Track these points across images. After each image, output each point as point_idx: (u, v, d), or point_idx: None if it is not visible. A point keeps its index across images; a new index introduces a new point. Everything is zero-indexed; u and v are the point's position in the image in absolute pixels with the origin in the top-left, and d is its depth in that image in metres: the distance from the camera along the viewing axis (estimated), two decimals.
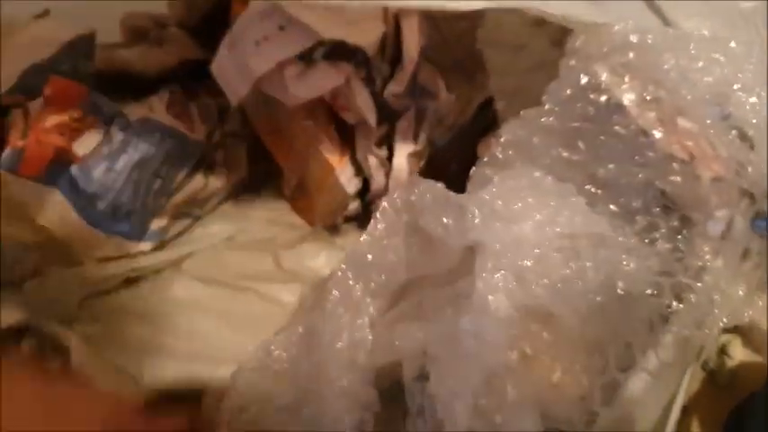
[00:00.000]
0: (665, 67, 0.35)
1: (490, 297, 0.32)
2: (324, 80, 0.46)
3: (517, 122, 0.35)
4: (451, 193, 0.35)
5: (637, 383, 0.33)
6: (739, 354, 0.40)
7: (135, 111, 0.48)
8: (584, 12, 0.39)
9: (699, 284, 0.32)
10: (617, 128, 0.34)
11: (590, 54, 0.35)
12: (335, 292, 0.35)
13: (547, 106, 0.35)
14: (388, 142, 0.50)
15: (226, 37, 0.47)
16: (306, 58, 0.45)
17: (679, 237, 0.34)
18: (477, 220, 0.33)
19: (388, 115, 0.49)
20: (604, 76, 0.35)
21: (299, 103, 0.46)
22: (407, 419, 0.32)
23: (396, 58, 0.48)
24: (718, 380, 0.40)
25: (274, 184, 0.55)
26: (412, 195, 0.35)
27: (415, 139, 0.50)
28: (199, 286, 0.47)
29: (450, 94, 0.48)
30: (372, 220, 0.37)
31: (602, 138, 0.35)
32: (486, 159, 0.36)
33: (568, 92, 0.35)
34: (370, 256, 0.37)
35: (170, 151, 0.48)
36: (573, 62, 0.35)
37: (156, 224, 0.48)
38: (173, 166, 0.49)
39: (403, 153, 0.50)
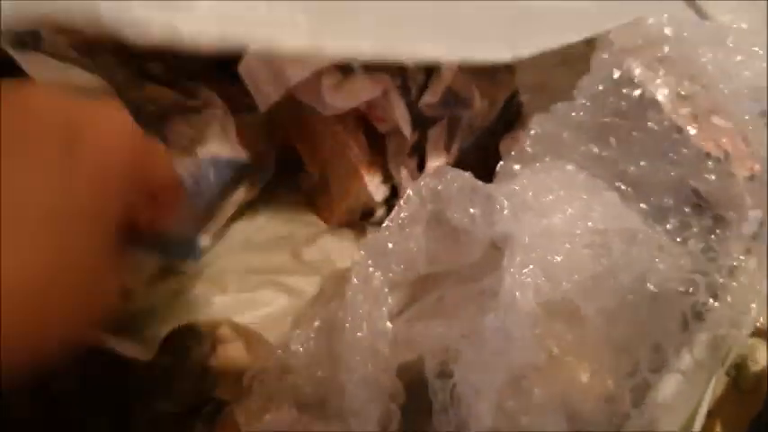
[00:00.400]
0: (702, 60, 0.34)
1: (517, 293, 0.31)
2: (362, 91, 0.45)
3: (546, 117, 0.35)
4: (480, 183, 0.34)
5: (668, 385, 0.32)
6: (764, 359, 0.39)
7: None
8: (618, 8, 0.38)
9: (734, 284, 0.32)
10: (650, 124, 0.34)
11: (623, 48, 0.35)
12: (355, 280, 0.34)
13: (578, 101, 0.34)
14: (418, 150, 0.49)
15: None
16: (344, 68, 0.44)
17: (712, 237, 0.33)
18: (505, 212, 0.32)
19: (420, 123, 0.47)
20: (638, 71, 0.34)
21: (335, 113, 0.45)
22: (433, 416, 0.31)
23: (430, 66, 0.46)
24: (741, 385, 0.39)
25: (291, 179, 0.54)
26: (439, 184, 0.34)
27: (447, 149, 0.48)
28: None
29: (484, 101, 0.47)
30: (396, 207, 0.36)
31: (634, 134, 0.34)
32: (513, 154, 0.35)
33: (600, 87, 0.34)
34: (390, 244, 0.35)
35: (228, 179, 0.47)
36: (605, 56, 0.35)
37: (203, 241, 0.48)
38: (226, 191, 0.48)
39: (435, 164, 0.48)
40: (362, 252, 0.35)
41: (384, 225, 0.36)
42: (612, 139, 0.34)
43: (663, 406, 0.32)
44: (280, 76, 0.43)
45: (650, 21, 0.35)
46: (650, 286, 0.32)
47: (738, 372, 0.38)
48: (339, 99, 0.44)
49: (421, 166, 0.49)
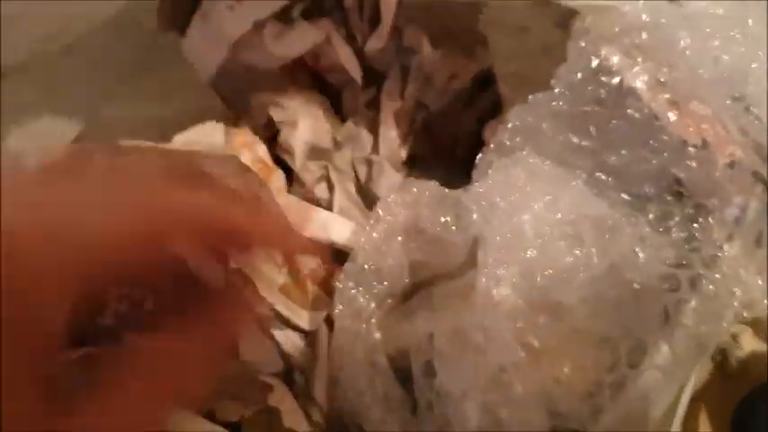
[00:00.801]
0: (680, 46, 0.34)
1: (494, 291, 0.31)
2: (304, 38, 0.45)
3: (525, 108, 0.34)
4: (447, 191, 0.34)
5: (647, 379, 0.32)
6: (749, 344, 0.39)
7: None
8: None
9: (717, 276, 0.31)
10: (629, 111, 0.33)
11: (600, 35, 0.34)
12: (340, 306, 0.34)
13: (556, 90, 0.34)
14: (375, 105, 0.49)
15: (198, 10, 0.45)
16: (283, 18, 0.44)
17: (695, 225, 0.33)
18: (475, 216, 0.32)
19: (374, 78, 0.48)
20: (616, 59, 0.33)
21: (281, 65, 0.45)
22: (417, 414, 0.31)
23: (375, 19, 0.47)
24: (727, 370, 0.39)
25: None
26: (407, 197, 0.34)
27: (401, 96, 0.48)
28: None
29: (436, 51, 0.47)
30: (367, 228, 0.35)
31: (613, 122, 0.33)
32: (492, 146, 0.35)
33: (578, 75, 0.34)
34: (367, 266, 0.35)
35: None
36: (582, 44, 0.34)
37: None
38: None
39: (389, 110, 0.48)
40: (343, 277, 0.35)
41: (360, 247, 0.35)
42: (592, 129, 0.34)
43: (641, 398, 0.32)
44: (219, 35, 0.44)
45: (626, 8, 0.34)
46: (631, 279, 0.32)
47: (723, 357, 0.38)
48: (283, 47, 0.44)
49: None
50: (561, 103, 0.34)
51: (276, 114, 0.45)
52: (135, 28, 0.54)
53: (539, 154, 0.33)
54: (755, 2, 0.36)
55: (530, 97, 0.34)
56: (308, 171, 0.44)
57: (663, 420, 0.36)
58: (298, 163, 0.43)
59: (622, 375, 0.31)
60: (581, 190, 0.32)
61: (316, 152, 0.44)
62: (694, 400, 0.36)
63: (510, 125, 0.34)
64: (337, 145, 0.46)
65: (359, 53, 0.47)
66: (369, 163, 0.46)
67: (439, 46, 0.47)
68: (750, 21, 0.35)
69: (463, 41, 0.46)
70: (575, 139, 0.34)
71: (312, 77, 0.48)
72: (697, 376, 0.35)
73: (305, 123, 0.44)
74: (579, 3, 0.36)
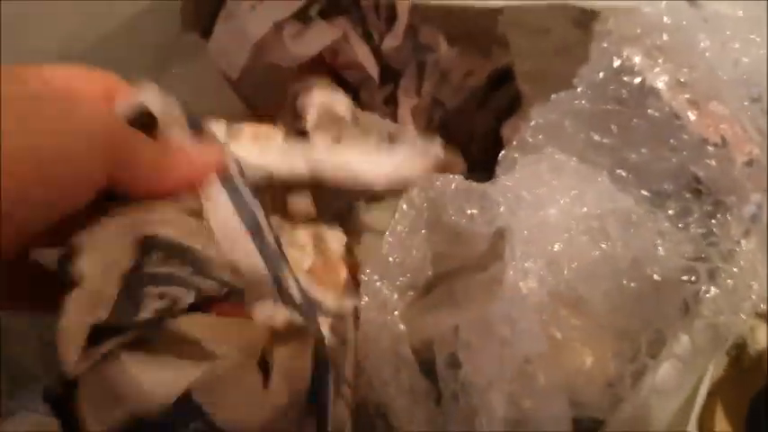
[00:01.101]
0: (701, 47, 0.35)
1: (521, 283, 0.31)
2: (322, 36, 0.46)
3: (547, 106, 0.35)
4: (473, 183, 0.35)
5: (667, 369, 0.33)
6: (764, 338, 0.40)
7: None
8: None
9: (735, 269, 0.32)
10: (650, 111, 0.34)
11: (622, 36, 0.35)
12: (365, 298, 0.35)
13: (578, 89, 0.35)
14: (393, 102, 0.50)
15: (221, 11, 0.46)
16: (302, 17, 0.46)
17: (713, 221, 0.34)
18: (502, 208, 0.33)
19: (391, 75, 0.49)
20: (637, 59, 0.34)
21: (301, 63, 0.46)
22: (442, 405, 0.32)
23: (392, 18, 0.48)
24: (742, 365, 0.40)
25: None
26: (431, 191, 0.35)
27: (418, 93, 0.49)
28: None
29: (452, 48, 0.48)
30: (392, 222, 0.36)
31: (634, 121, 0.34)
32: (515, 143, 0.35)
33: (600, 75, 0.35)
34: (391, 259, 0.36)
35: None
36: (605, 45, 0.35)
37: None
38: None
39: (406, 107, 0.50)
40: (368, 270, 0.36)
41: (384, 240, 0.36)
42: (613, 127, 0.34)
43: (659, 389, 0.32)
44: (242, 36, 0.45)
45: (647, 9, 0.35)
46: (651, 272, 0.33)
47: (739, 351, 0.39)
48: (302, 46, 0.45)
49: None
50: (583, 102, 0.35)
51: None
52: (153, 29, 0.54)
53: (562, 151, 0.33)
54: None
55: (552, 96, 0.35)
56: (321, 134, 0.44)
57: (680, 413, 0.37)
58: (310, 123, 0.43)
59: (643, 365, 0.31)
60: (606, 185, 0.33)
61: (331, 117, 0.44)
62: (710, 394, 0.37)
63: (533, 123, 0.34)
64: (356, 120, 0.47)
65: (376, 51, 0.48)
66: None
67: (455, 45, 0.48)
68: None
69: (480, 42, 0.47)
70: (596, 137, 0.34)
71: (331, 75, 0.49)
72: (714, 370, 0.36)
73: (321, 85, 0.45)
74: (600, 3, 0.37)
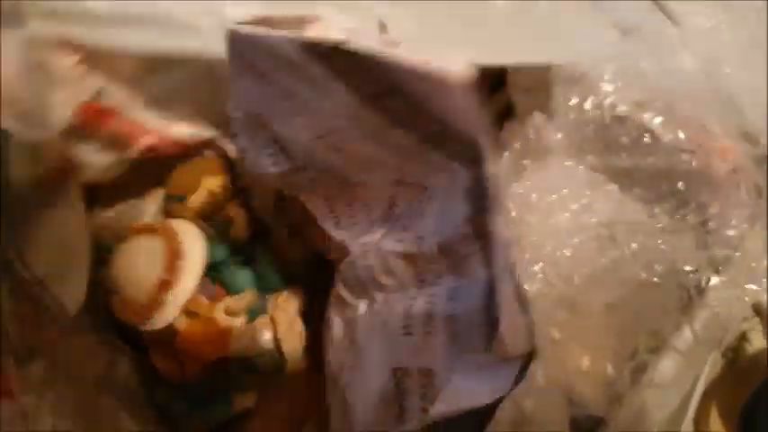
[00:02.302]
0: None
1: (525, 286, 0.32)
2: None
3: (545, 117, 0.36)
4: None
5: (666, 364, 0.34)
6: (759, 341, 0.40)
7: None
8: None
9: (737, 254, 0.33)
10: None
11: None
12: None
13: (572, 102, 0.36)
14: None
15: None
16: None
17: (711, 210, 0.35)
18: (513, 214, 0.33)
19: None
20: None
21: None
22: None
23: None
24: (737, 366, 0.40)
25: None
26: None
27: None
28: None
29: None
30: None
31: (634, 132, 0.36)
32: (518, 147, 0.36)
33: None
34: None
35: None
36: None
37: None
38: None
39: None
40: None
41: None
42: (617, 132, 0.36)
43: (657, 385, 0.34)
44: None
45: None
46: (656, 269, 0.34)
47: (734, 353, 0.40)
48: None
49: None
50: (575, 116, 0.36)
51: None
52: None
53: (569, 157, 0.34)
54: (752, 18, 0.38)
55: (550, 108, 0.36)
56: None
57: (675, 413, 0.38)
58: None
59: (643, 362, 0.32)
60: (615, 194, 0.34)
61: None
62: (705, 395, 0.38)
63: (532, 130, 0.36)
64: None
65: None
66: None
67: None
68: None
69: None
70: (598, 144, 0.36)
71: None
72: (709, 371, 0.37)
73: None
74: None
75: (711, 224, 0.34)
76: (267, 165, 0.33)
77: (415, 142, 0.28)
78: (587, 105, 0.36)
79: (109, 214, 0.41)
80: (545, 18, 0.40)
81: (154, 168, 0.41)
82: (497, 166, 0.26)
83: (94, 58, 0.37)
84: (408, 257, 0.31)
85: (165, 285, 0.32)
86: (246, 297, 0.37)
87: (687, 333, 0.35)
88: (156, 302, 0.32)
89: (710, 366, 0.37)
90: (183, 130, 0.40)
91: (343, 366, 0.33)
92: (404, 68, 0.25)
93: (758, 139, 0.36)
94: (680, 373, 0.35)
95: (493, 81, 0.49)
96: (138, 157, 0.39)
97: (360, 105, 0.28)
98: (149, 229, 0.34)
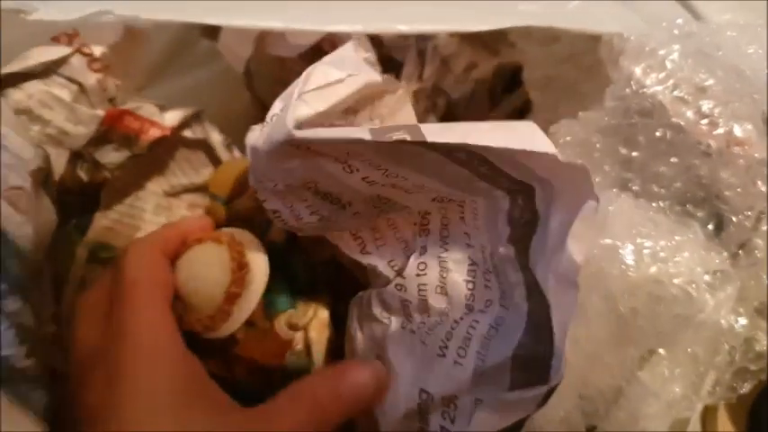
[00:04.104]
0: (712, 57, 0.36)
1: None
2: None
3: (574, 123, 0.35)
4: None
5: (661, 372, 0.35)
6: (765, 339, 0.41)
7: None
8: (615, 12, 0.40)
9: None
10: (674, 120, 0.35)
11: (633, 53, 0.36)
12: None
13: (605, 104, 0.35)
14: None
15: None
16: None
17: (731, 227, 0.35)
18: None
19: (392, 66, 0.49)
20: (652, 75, 0.35)
21: (301, 53, 0.46)
22: None
23: None
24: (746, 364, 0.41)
25: None
26: None
27: (420, 78, 0.49)
28: None
29: (452, 37, 0.48)
30: None
31: (657, 134, 0.35)
32: None
33: (625, 91, 0.35)
34: None
35: None
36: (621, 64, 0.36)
37: None
38: None
39: (408, 90, 0.49)
40: None
41: None
42: (641, 139, 0.35)
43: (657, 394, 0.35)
44: (246, 30, 0.47)
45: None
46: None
47: (742, 352, 0.41)
48: (300, 36, 0.46)
49: None
50: (608, 118, 0.35)
51: None
52: (163, 30, 0.55)
53: (592, 169, 0.34)
54: None
55: (579, 114, 0.35)
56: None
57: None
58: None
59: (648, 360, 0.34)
60: (636, 207, 0.33)
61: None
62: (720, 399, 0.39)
63: (561, 141, 0.35)
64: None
65: (374, 39, 0.47)
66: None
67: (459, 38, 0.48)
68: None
69: (486, 39, 0.47)
70: (623, 151, 0.35)
71: None
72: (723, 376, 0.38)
73: None
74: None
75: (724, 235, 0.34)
76: (305, 215, 0.32)
77: (462, 175, 0.29)
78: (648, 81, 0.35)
79: (110, 216, 0.41)
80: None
81: (148, 166, 0.42)
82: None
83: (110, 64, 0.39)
84: (467, 280, 0.32)
85: (233, 297, 0.32)
86: (309, 312, 0.37)
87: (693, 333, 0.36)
88: (223, 313, 0.32)
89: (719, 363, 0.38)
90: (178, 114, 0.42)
91: None
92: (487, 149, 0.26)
93: None
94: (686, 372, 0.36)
95: (511, 75, 0.48)
96: (145, 150, 0.40)
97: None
98: (215, 239, 0.33)
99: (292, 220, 0.32)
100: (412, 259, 0.33)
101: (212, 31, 0.51)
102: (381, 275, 0.34)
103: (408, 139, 0.25)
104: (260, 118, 0.49)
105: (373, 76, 0.33)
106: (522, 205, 0.29)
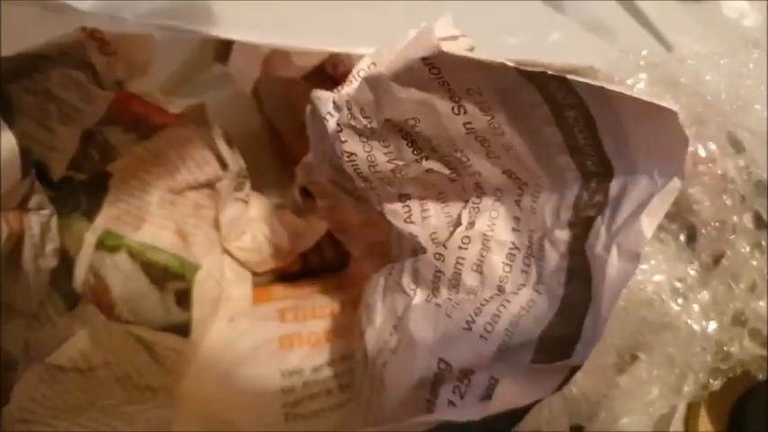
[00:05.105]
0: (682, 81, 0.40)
1: None
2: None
3: None
4: None
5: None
6: (748, 345, 0.42)
7: None
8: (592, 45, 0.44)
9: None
10: None
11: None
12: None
13: None
14: None
15: None
16: None
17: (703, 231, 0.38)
18: None
19: None
20: None
21: (304, 75, 0.48)
22: None
23: None
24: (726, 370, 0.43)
25: None
26: None
27: None
28: None
29: None
30: None
31: None
32: None
33: None
34: None
35: None
36: None
37: None
38: None
39: None
40: None
41: None
42: None
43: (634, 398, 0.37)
44: (254, 50, 0.49)
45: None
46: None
47: (723, 357, 0.42)
48: (303, 57, 0.47)
49: None
50: None
51: None
52: (179, 52, 0.58)
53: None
54: (741, 47, 0.42)
55: None
56: None
57: (664, 417, 0.40)
58: None
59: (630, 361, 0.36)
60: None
61: None
62: (694, 398, 0.40)
63: None
64: None
65: None
66: None
67: None
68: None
69: None
70: None
71: (333, 85, 0.51)
72: (697, 376, 0.39)
73: None
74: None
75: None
76: (381, 162, 0.32)
77: (555, 144, 0.29)
78: None
79: (118, 205, 0.43)
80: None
81: (153, 160, 0.45)
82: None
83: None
84: (505, 263, 0.32)
85: None
86: None
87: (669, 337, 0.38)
88: None
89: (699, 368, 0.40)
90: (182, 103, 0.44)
91: (383, 349, 0.33)
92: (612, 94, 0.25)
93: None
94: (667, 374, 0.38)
95: None
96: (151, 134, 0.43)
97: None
98: None
99: (365, 166, 0.32)
100: (458, 231, 0.33)
101: (224, 55, 0.54)
102: (419, 247, 0.34)
103: (549, 72, 0.26)
104: (270, 139, 0.53)
105: None
106: (595, 187, 0.29)
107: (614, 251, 0.25)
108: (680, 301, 0.39)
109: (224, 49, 0.55)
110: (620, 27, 0.47)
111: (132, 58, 0.43)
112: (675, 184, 0.25)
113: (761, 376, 0.39)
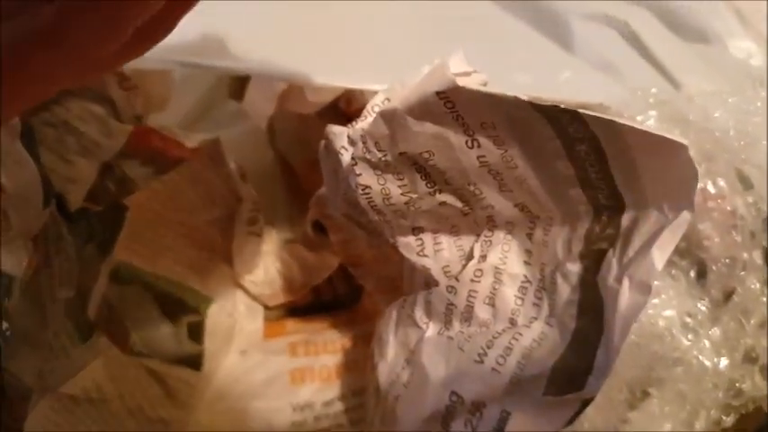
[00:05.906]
0: (690, 118, 0.40)
1: None
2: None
3: None
4: None
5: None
6: (759, 383, 0.42)
7: None
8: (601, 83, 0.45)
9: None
10: None
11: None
12: None
13: None
14: None
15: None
16: None
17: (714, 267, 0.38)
18: None
19: None
20: None
21: (318, 111, 0.49)
22: None
23: None
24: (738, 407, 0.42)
25: None
26: None
27: None
28: None
29: None
30: None
31: None
32: None
33: None
34: None
35: None
36: None
37: None
38: None
39: None
40: None
41: None
42: None
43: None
44: (269, 88, 0.52)
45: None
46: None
47: (735, 393, 0.42)
48: (318, 95, 0.48)
49: None
50: None
51: None
52: (194, 89, 0.59)
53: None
54: (747, 85, 0.43)
55: None
56: None
57: None
58: None
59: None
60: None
61: None
62: None
63: None
64: None
65: None
66: None
67: None
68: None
69: None
70: None
71: (347, 121, 0.52)
72: (709, 412, 0.39)
73: None
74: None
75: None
76: (395, 194, 0.33)
77: (567, 177, 0.29)
78: None
79: (134, 238, 0.43)
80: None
81: (170, 195, 0.45)
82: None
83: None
84: (517, 296, 0.32)
85: None
86: None
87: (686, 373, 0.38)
88: None
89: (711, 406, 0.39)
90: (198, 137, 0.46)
91: (395, 382, 0.34)
92: (624, 128, 0.26)
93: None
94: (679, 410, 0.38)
95: None
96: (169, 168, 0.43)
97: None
98: None
99: (379, 199, 0.33)
100: (470, 264, 0.33)
101: (239, 92, 0.56)
102: (432, 280, 0.34)
103: (562, 106, 0.27)
104: (283, 174, 0.53)
105: None
106: (606, 221, 0.29)
107: (626, 283, 0.26)
108: (690, 336, 0.39)
109: (239, 86, 0.57)
110: (628, 67, 0.48)
111: (151, 92, 0.44)
112: (685, 216, 0.25)
113: None
